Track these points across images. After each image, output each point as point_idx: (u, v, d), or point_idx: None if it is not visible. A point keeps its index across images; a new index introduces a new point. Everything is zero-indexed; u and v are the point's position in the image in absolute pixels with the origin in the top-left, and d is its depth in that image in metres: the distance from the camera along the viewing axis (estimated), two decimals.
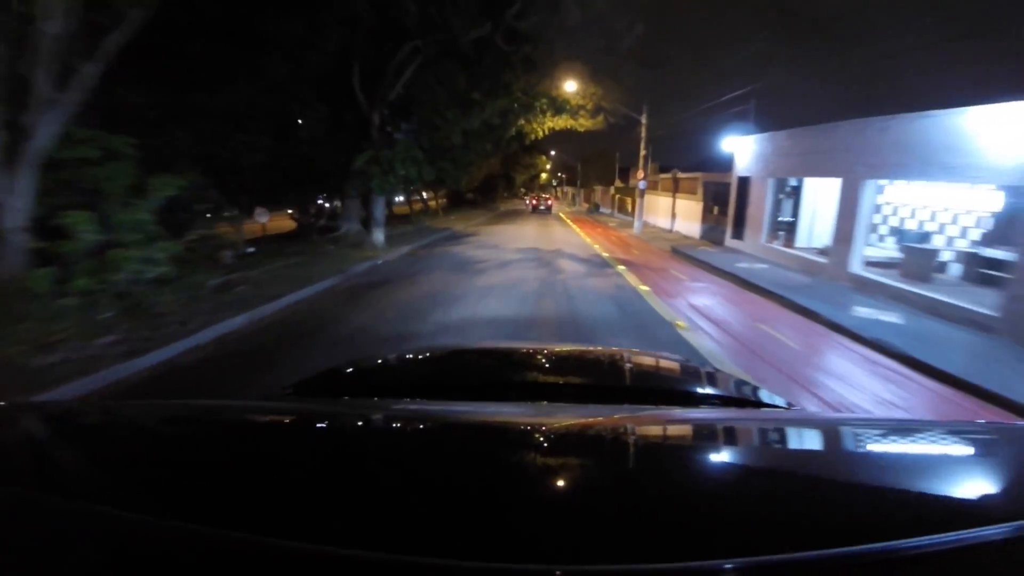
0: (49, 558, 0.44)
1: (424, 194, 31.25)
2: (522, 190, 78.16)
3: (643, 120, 20.05)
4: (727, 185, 15.78)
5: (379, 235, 12.56)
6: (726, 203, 16.08)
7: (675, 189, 20.54)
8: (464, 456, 0.69)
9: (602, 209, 38.44)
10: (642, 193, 20.52)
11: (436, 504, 0.53)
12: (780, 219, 13.31)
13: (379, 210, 12.36)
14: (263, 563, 0.42)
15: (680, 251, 14.13)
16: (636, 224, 20.44)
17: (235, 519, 0.48)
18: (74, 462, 0.64)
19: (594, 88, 16.97)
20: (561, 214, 34.87)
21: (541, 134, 17.97)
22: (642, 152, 20.26)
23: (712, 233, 16.91)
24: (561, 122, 17.23)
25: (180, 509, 0.49)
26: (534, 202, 38.11)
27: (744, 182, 14.36)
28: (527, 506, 0.53)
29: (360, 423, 0.87)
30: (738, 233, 14.61)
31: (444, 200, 43.33)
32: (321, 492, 0.56)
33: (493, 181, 45.28)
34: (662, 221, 22.16)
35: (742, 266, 11.55)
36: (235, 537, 0.44)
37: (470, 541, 0.45)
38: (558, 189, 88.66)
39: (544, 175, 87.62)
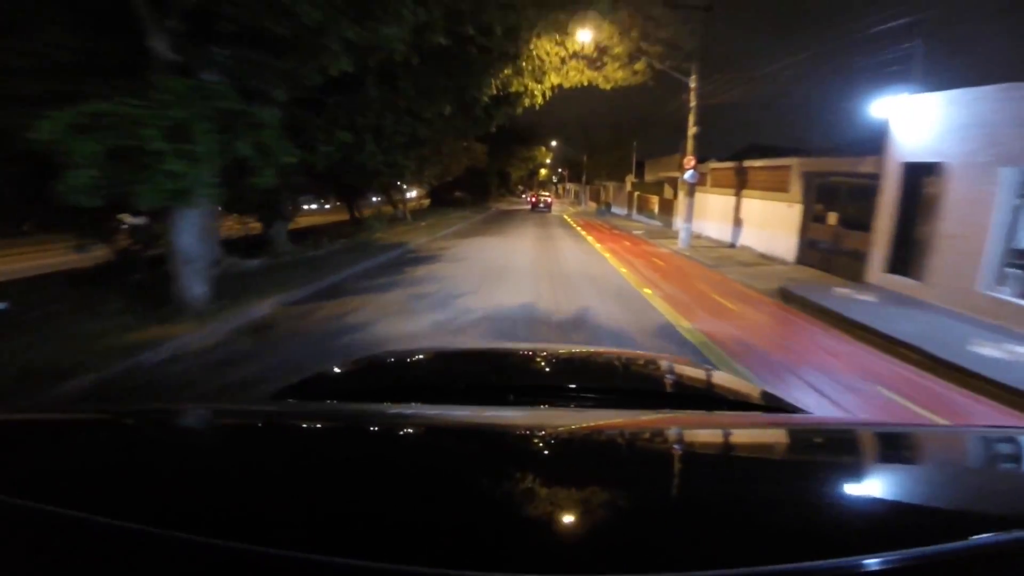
0: (37, 567, 0.44)
1: (412, 192, 24.84)
2: (520, 188, 71.85)
3: (692, 84, 13.45)
4: (852, 177, 9.20)
5: (192, 283, 5.82)
6: (848, 206, 9.50)
7: (739, 184, 13.95)
8: (463, 461, 0.67)
9: (614, 209, 31.81)
10: (692, 189, 13.87)
11: (435, 511, 0.51)
12: (1016, 246, 6.72)
13: (187, 234, 5.63)
14: (255, 571, 0.41)
15: (806, 301, 7.44)
16: (682, 236, 13.80)
17: (226, 526, 0.46)
18: (61, 467, 0.61)
19: (631, 19, 10.38)
20: (566, 216, 28.20)
21: (540, 97, 11.39)
22: (691, 129, 13.63)
23: (816, 255, 10.32)
24: (575, 74, 10.66)
25: (169, 516, 0.47)
26: (533, 199, 35.86)
27: (922, 174, 7.77)
28: (528, 514, 0.51)
29: (356, 427, 0.84)
30: (902, 264, 8.03)
31: (427, 199, 36.84)
32: (316, 499, 0.54)
33: (483, 177, 38.79)
34: (712, 229, 15.53)
35: (1007, 358, 5.00)
36: (226, 545, 0.42)
37: (470, 550, 0.44)
38: (559, 186, 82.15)
39: (543, 171, 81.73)
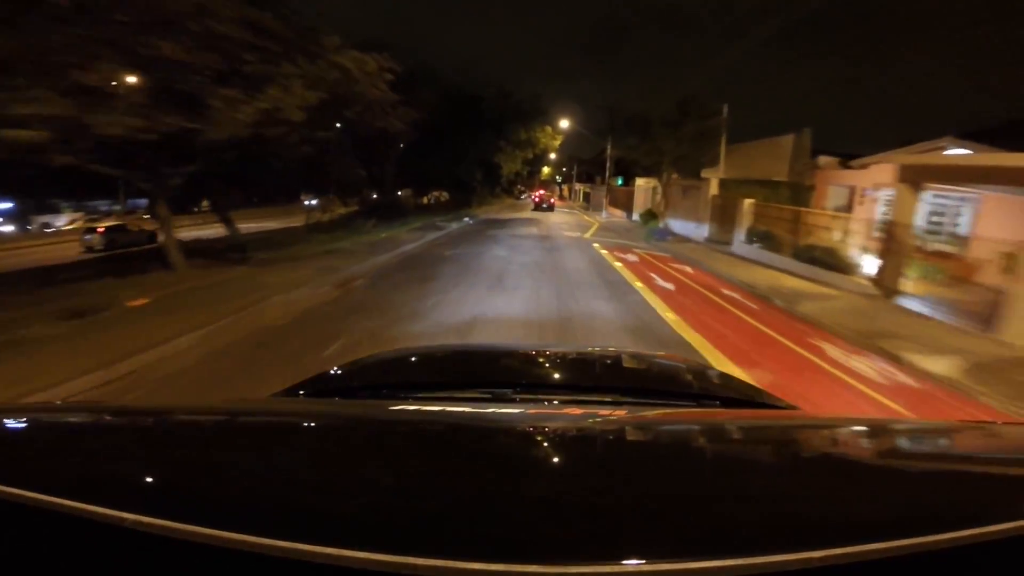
0: (38, 562, 0.44)
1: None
2: (519, 188, 57.88)
3: None
4: None
5: None
6: None
7: None
8: (464, 458, 0.67)
9: (671, 224, 17.56)
10: None
11: (435, 507, 0.52)
12: None
13: None
14: (258, 564, 0.41)
15: None
16: None
17: (228, 523, 0.45)
18: (61, 464, 0.61)
19: None
20: (601, 249, 13.65)
21: None
22: None
23: None
24: None
25: (169, 513, 0.46)
26: (537, 198, 33.18)
27: None
28: (528, 506, 0.52)
29: (357, 426, 0.84)
30: None
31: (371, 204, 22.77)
32: (318, 492, 0.55)
33: (448, 167, 24.88)
34: None
35: None
36: (228, 542, 0.42)
37: (471, 541, 0.44)
38: (564, 187, 68.36)
39: (546, 170, 68.34)
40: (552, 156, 56.84)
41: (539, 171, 62.52)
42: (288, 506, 0.51)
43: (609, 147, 29.04)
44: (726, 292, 8.19)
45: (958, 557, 0.43)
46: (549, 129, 26.83)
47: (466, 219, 21.18)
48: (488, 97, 25.80)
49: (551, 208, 31.73)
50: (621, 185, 32.02)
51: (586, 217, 28.43)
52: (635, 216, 25.83)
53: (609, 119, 29.16)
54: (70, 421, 0.79)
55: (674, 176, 17.73)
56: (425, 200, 34.42)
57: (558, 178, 74.98)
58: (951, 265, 7.89)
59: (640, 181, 26.07)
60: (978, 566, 0.45)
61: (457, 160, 22.84)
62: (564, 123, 28.63)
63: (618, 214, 29.44)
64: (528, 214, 28.81)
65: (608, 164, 29.70)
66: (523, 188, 59.76)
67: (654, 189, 22.77)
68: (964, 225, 8.95)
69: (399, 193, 32.12)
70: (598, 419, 0.87)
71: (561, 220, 24.13)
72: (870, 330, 5.98)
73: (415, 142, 20.61)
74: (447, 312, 6.13)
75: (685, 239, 16.06)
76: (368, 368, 1.49)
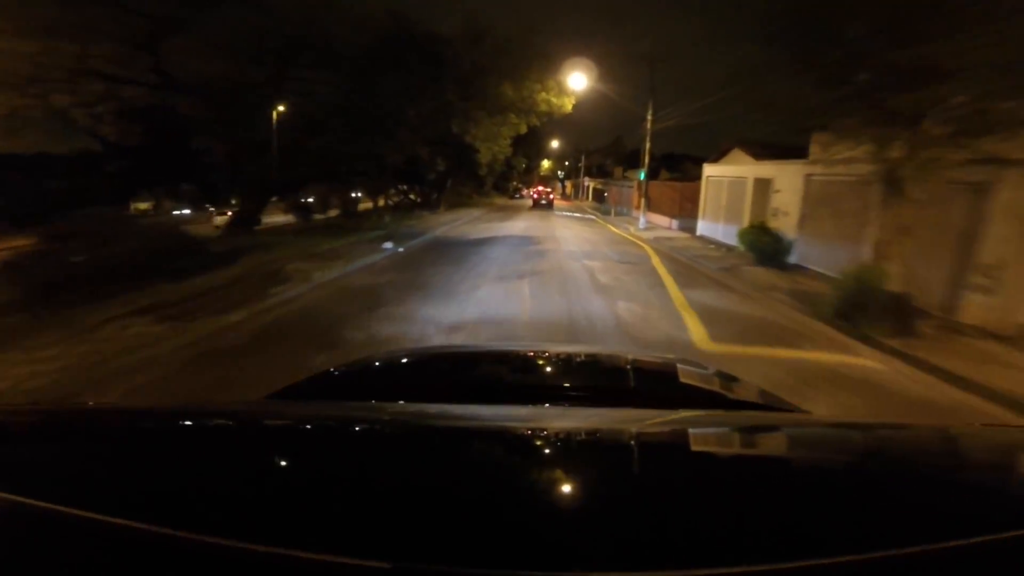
0: (31, 565, 0.43)
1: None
2: (515, 184, 47.16)
3: None
4: None
5: None
6: None
7: None
8: (463, 460, 0.66)
9: (815, 258, 6.73)
10: None
11: (438, 510, 0.51)
12: None
13: None
14: (253, 571, 0.41)
15: None
16: None
17: (224, 526, 0.45)
18: (60, 466, 0.61)
19: None
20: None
21: None
22: None
23: None
24: None
25: (166, 515, 0.46)
26: (535, 195, 31.19)
27: None
28: (532, 512, 0.51)
29: (355, 427, 0.83)
30: None
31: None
32: (317, 497, 0.54)
33: (395, 152, 14.20)
34: None
35: None
36: (224, 545, 0.42)
37: (471, 548, 0.44)
38: (568, 183, 57.84)
39: (546, 164, 57.71)
40: (555, 144, 45.98)
41: (538, 165, 51.90)
42: (278, 511, 0.49)
43: (649, 118, 18.22)
44: None
45: (970, 564, 0.42)
46: (553, 83, 15.91)
47: (387, 244, 10.39)
48: (453, 38, 15.00)
49: (550, 205, 29.43)
50: (643, 180, 21.16)
51: (613, 228, 17.69)
52: (702, 228, 15.06)
53: (648, 76, 18.41)
54: (60, 423, 0.76)
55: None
56: (381, 202, 23.72)
57: (560, 173, 64.30)
58: None
59: (712, 170, 15.27)
60: (989, 573, 0.43)
61: (378, 134, 12.04)
62: (576, 81, 17.67)
63: (662, 222, 18.71)
64: (522, 224, 18.18)
65: (646, 145, 18.88)
66: (520, 186, 48.96)
67: (759, 182, 11.94)
68: None
69: (359, 197, 21.32)
70: (600, 423, 0.87)
71: (581, 240, 13.36)
72: None
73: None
74: None
75: (953, 327, 5.33)
76: (366, 370, 1.47)
